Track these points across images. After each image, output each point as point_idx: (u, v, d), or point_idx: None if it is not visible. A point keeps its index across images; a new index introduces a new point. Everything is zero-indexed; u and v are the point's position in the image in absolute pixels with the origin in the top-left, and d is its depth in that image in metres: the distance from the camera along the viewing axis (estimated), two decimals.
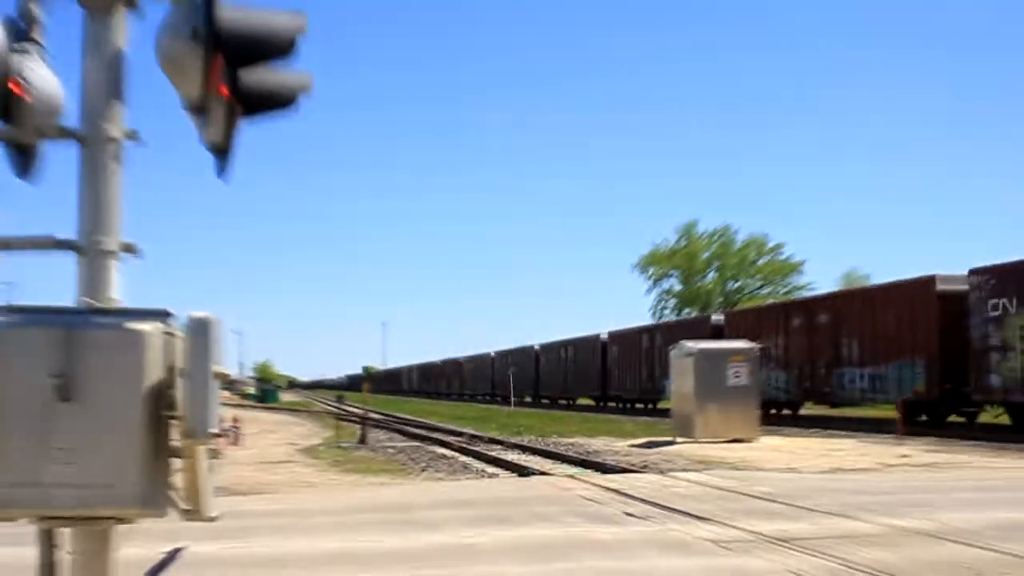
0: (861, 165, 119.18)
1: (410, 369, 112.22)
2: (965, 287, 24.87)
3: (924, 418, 26.63)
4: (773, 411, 34.80)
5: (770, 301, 61.12)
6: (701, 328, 38.71)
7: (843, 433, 24.77)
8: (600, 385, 50.17)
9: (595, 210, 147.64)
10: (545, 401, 57.76)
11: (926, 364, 25.98)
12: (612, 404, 48.37)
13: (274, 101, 3.83)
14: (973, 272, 24.68)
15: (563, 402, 55.62)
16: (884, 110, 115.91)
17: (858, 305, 29.95)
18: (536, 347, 61.80)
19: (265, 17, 3.58)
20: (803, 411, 34.58)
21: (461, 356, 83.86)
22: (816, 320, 31.83)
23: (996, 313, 23.45)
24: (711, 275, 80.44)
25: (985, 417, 26.75)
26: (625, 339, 48.11)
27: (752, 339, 33.88)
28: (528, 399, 59.46)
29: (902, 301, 27.21)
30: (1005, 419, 25.50)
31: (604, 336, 50.83)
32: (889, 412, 28.60)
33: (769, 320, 35.66)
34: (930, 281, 26.23)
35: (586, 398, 53.46)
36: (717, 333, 36.49)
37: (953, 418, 27.01)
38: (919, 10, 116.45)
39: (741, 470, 14.25)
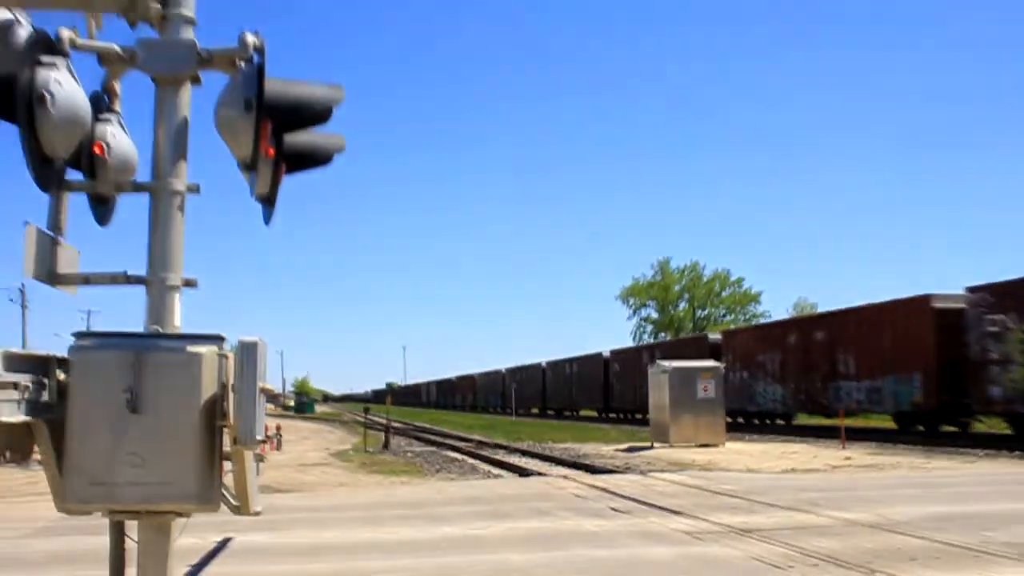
0: (809, 210, 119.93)
1: (428, 384, 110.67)
2: (961, 305, 22.75)
3: (920, 428, 24.50)
4: (768, 420, 33.09)
5: (732, 327, 60.50)
6: (700, 346, 36.57)
7: (797, 438, 24.63)
8: (603, 398, 47.60)
9: (591, 246, 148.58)
10: (551, 412, 55.69)
11: (923, 377, 23.68)
12: (613, 415, 46.17)
13: (313, 160, 3.87)
14: (971, 290, 22.69)
15: (568, 413, 53.42)
16: (829, 162, 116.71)
17: (854, 323, 27.56)
18: (543, 364, 59.07)
19: (307, 89, 3.62)
20: (797, 422, 32.36)
21: (475, 372, 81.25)
22: (812, 337, 29.52)
23: (995, 328, 21.35)
24: (682, 305, 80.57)
25: (980, 427, 24.39)
26: (626, 357, 45.96)
27: (749, 356, 32.89)
28: (536, 410, 57.74)
29: (898, 318, 24.99)
30: (998, 429, 23.53)
31: (606, 354, 48.58)
32: (882, 422, 27.05)
33: (765, 338, 33.37)
34: (926, 299, 23.97)
35: (589, 410, 50.79)
36: (715, 351, 34.41)
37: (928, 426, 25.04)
38: (858, 75, 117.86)
39: (710, 471, 14.16)
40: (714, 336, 39.76)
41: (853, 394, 27.08)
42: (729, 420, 32.68)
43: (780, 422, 32.17)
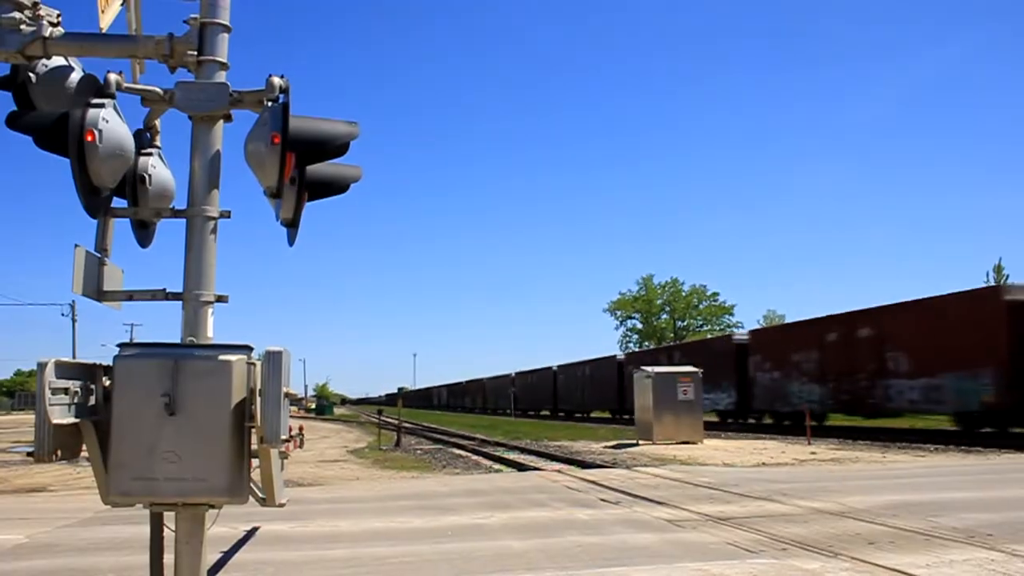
0: (777, 230, 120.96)
1: (440, 388, 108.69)
2: None
3: (988, 429, 20.68)
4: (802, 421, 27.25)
5: (714, 335, 59.52)
6: (724, 346, 33.34)
7: (767, 435, 24.52)
8: (617, 400, 42.74)
9: (585, 264, 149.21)
10: (562, 414, 51.21)
11: (994, 374, 19.69)
12: (627, 416, 40.31)
13: (332, 188, 3.89)
14: None
15: (579, 415, 48.76)
16: (791, 192, 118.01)
17: (907, 318, 23.09)
18: (555, 367, 54.18)
19: (327, 126, 3.64)
20: (829, 423, 27.52)
21: (484, 376, 76.97)
22: (856, 334, 24.83)
23: None
24: (664, 316, 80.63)
25: None
26: (642, 360, 39.02)
27: (781, 355, 28.70)
28: (546, 412, 54.29)
29: (961, 312, 20.90)
30: None
31: (621, 356, 45.04)
32: (936, 423, 23.91)
33: (800, 336, 28.56)
34: (997, 291, 20.55)
35: (602, 411, 45.98)
36: (741, 351, 31.25)
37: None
38: (820, 116, 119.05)
39: (689, 465, 14.10)
40: (740, 335, 34.93)
41: (905, 393, 22.84)
42: (753, 421, 30.64)
43: (813, 423, 26.95)
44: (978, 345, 20.15)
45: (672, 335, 76.06)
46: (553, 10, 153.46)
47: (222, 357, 3.26)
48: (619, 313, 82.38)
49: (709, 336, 60.35)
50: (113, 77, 3.44)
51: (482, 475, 14.25)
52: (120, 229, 3.75)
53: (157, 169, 3.75)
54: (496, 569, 5.51)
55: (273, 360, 3.21)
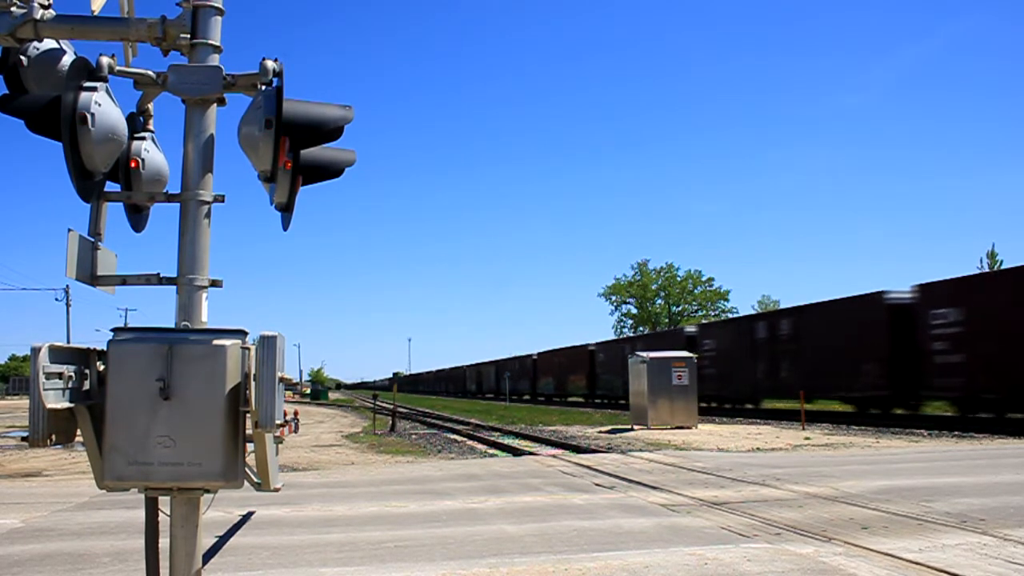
0: (772, 216, 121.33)
1: (429, 373, 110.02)
2: (910, 300, 21.88)
3: (875, 411, 23.78)
4: (738, 405, 31.78)
5: (706, 321, 60.22)
6: (676, 338, 35.96)
7: (761, 420, 24.66)
8: (589, 386, 46.13)
9: (578, 249, 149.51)
10: (541, 399, 54.81)
11: (877, 364, 22.87)
12: (599, 401, 44.45)
13: (327, 172, 3.87)
14: (919, 287, 21.80)
15: (556, 399, 52.10)
16: (786, 178, 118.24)
17: (816, 316, 26.65)
18: (533, 355, 58.31)
19: (321, 109, 3.62)
20: (765, 406, 30.96)
21: (473, 363, 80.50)
22: (778, 330, 28.53)
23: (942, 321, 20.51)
24: (659, 301, 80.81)
25: (927, 409, 23.61)
26: (609, 348, 44.68)
27: (724, 346, 31.97)
28: (527, 397, 57.24)
29: (853, 313, 24.13)
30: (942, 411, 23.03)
31: (592, 345, 47.29)
32: (841, 406, 26.60)
33: (737, 330, 32.33)
34: (879, 296, 22.97)
35: (576, 396, 49.19)
36: (691, 342, 33.89)
37: None
38: (804, 111, 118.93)
39: (684, 450, 14.20)
40: (690, 329, 38.74)
41: (815, 379, 25.83)
42: (703, 405, 32.64)
43: (749, 406, 31.27)
44: (866, 340, 23.55)
45: (667, 320, 76.30)
46: None
47: (216, 342, 3.25)
48: (614, 298, 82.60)
49: (706, 321, 60.91)
50: (105, 60, 3.40)
51: (477, 460, 14.32)
52: (113, 213, 3.74)
53: (150, 153, 3.73)
54: (491, 553, 5.55)
55: (268, 345, 3.21)
